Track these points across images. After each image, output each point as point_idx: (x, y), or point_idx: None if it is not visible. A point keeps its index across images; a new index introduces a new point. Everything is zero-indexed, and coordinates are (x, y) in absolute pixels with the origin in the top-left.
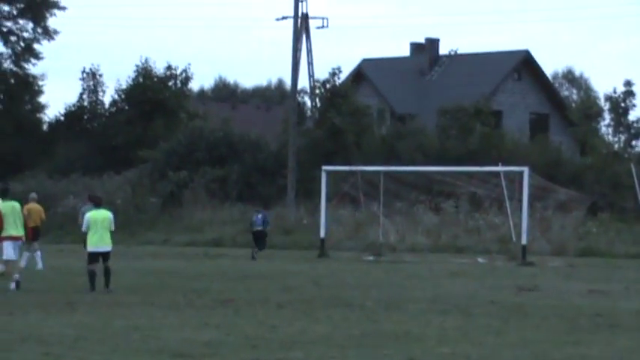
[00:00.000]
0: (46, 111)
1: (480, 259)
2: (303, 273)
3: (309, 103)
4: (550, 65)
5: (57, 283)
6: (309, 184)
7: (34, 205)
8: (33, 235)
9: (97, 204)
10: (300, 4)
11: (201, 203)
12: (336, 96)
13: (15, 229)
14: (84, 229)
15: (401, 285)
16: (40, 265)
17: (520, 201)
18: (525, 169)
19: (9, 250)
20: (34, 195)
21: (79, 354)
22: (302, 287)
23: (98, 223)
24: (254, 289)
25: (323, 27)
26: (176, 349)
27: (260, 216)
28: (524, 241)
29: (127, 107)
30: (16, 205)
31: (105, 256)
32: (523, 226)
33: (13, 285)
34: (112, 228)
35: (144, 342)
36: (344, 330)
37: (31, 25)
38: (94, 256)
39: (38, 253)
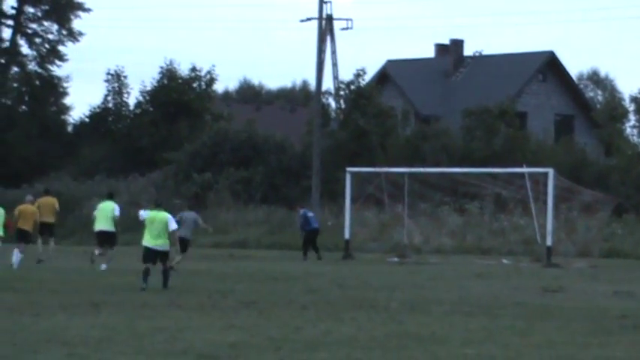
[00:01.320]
0: (71, 113)
1: (504, 261)
2: (327, 274)
3: (333, 104)
4: (575, 66)
5: (82, 284)
6: (333, 186)
7: (27, 206)
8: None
9: (157, 204)
10: (324, 5)
11: (226, 205)
12: (361, 97)
13: None
14: (141, 218)
15: (425, 286)
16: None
17: (545, 202)
18: (550, 171)
19: None
20: (30, 197)
21: (103, 355)
22: (326, 289)
23: (155, 223)
24: (278, 291)
25: (347, 28)
26: (201, 351)
27: (312, 214)
28: (549, 242)
29: (151, 109)
30: None
31: (163, 256)
32: (548, 228)
33: None
34: (171, 228)
35: (168, 343)
36: (368, 331)
37: (55, 27)
38: (149, 253)
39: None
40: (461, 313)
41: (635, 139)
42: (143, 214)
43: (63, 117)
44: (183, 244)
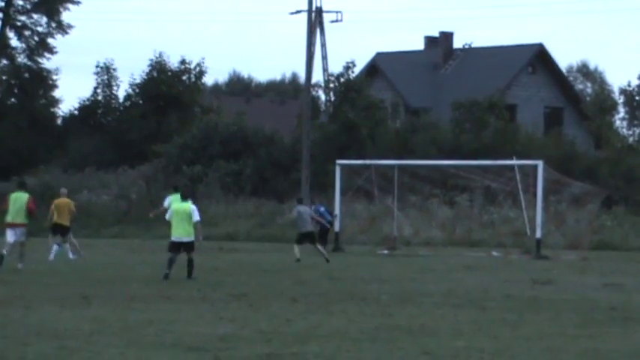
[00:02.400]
0: (61, 105)
1: (494, 253)
2: (317, 267)
3: (323, 97)
4: (564, 59)
5: (72, 277)
6: (323, 179)
7: (62, 200)
8: (60, 229)
9: (183, 196)
10: None
11: (216, 197)
12: (350, 90)
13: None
14: (167, 217)
15: (415, 279)
16: (51, 257)
17: (534, 195)
18: (540, 163)
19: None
20: (64, 190)
21: (94, 348)
22: (316, 281)
23: (180, 215)
24: (268, 283)
25: (337, 21)
26: (191, 343)
27: (324, 208)
28: (538, 234)
29: (141, 102)
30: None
31: (187, 247)
32: (537, 220)
33: None
34: (195, 219)
35: (159, 336)
36: (359, 324)
37: (45, 19)
38: (174, 246)
39: (55, 247)
40: (451, 306)
41: (625, 131)
42: (166, 203)
43: (52, 110)
44: None
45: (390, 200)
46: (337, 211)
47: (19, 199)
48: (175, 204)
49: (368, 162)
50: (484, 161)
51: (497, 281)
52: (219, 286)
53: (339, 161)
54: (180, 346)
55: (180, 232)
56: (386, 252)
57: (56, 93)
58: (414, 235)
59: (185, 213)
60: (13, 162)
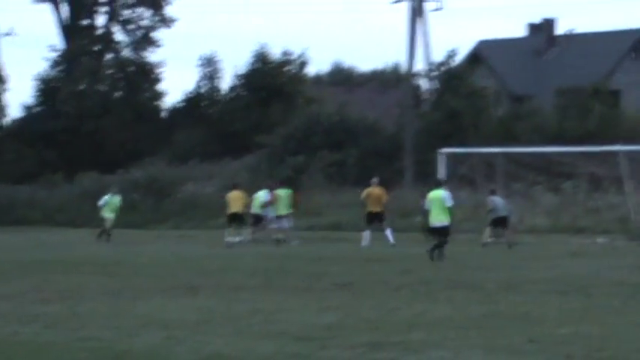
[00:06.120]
0: (165, 98)
1: (599, 240)
2: (421, 255)
3: (425, 85)
4: None
5: (179, 268)
6: (426, 167)
7: (373, 189)
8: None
9: (437, 184)
10: None
11: (319, 187)
12: (453, 78)
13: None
14: (426, 207)
15: (520, 266)
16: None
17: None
18: None
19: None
20: (374, 180)
21: (200, 337)
22: (421, 269)
23: (435, 202)
24: (373, 273)
25: (438, 9)
26: (297, 333)
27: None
28: None
29: (244, 93)
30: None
31: (442, 231)
32: None
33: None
34: (449, 204)
35: (265, 325)
36: (464, 312)
37: (149, 13)
38: (434, 231)
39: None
40: (556, 293)
41: None
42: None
43: (157, 103)
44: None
45: (494, 188)
46: None
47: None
48: (432, 192)
49: (471, 150)
50: (588, 147)
51: (603, 268)
52: (324, 276)
53: (441, 150)
54: (287, 336)
55: (436, 218)
56: (490, 240)
57: (161, 86)
58: (518, 223)
59: (439, 199)
60: (119, 155)
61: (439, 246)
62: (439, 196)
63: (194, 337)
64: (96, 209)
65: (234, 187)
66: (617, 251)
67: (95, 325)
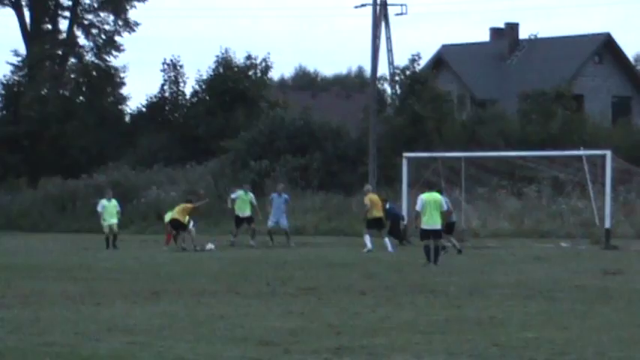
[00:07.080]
0: (128, 103)
1: (563, 244)
2: (385, 260)
3: (389, 90)
4: (631, 48)
5: (141, 273)
6: (390, 172)
7: (374, 195)
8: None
9: (430, 188)
10: None
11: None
12: (416, 83)
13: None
14: (418, 208)
15: (484, 270)
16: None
17: (603, 185)
18: (608, 153)
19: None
20: (368, 187)
21: (164, 343)
22: (384, 274)
23: (431, 204)
24: (337, 277)
25: (402, 14)
26: (261, 337)
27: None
28: (607, 224)
29: (207, 98)
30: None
31: (435, 234)
32: (606, 210)
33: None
34: (443, 209)
35: (229, 330)
36: (427, 316)
37: (112, 17)
38: (425, 234)
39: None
40: (520, 297)
41: None
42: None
43: (120, 107)
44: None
45: (457, 192)
46: (404, 204)
47: None
48: (426, 195)
49: (435, 154)
50: (552, 152)
51: (566, 272)
52: (288, 281)
53: (405, 154)
54: (250, 341)
55: (429, 221)
56: (448, 244)
57: (124, 90)
58: (482, 227)
59: (436, 203)
60: (82, 160)
61: (436, 251)
62: (436, 198)
63: (158, 342)
64: (60, 214)
65: (187, 201)
66: (580, 255)
67: (59, 330)
